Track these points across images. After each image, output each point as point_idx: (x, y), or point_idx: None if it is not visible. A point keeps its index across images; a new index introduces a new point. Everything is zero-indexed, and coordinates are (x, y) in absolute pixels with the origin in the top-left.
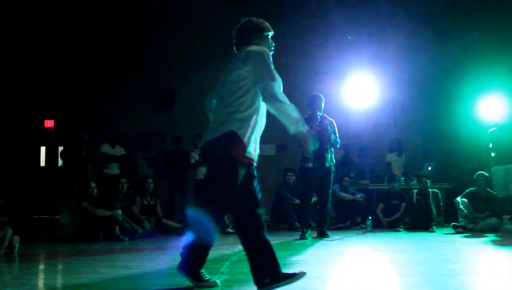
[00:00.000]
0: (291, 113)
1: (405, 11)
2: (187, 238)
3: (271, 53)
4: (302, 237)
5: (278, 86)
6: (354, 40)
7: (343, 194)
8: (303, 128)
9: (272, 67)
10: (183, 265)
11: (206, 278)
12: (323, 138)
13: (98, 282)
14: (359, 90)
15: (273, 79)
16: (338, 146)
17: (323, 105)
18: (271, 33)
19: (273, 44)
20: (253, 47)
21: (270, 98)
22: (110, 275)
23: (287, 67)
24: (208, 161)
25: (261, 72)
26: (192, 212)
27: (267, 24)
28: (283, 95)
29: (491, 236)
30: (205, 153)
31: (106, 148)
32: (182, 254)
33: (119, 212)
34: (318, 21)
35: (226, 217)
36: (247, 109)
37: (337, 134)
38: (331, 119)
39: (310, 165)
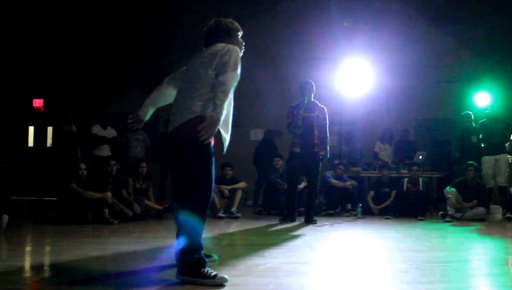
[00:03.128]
0: (218, 108)
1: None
2: (179, 242)
3: (241, 52)
4: (283, 221)
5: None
6: (350, 27)
7: (334, 181)
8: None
9: (236, 63)
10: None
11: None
12: (311, 124)
13: (86, 265)
14: (354, 77)
15: (230, 72)
16: (328, 141)
17: (313, 91)
18: (240, 33)
19: (243, 44)
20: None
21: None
22: (99, 258)
23: (283, 54)
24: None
25: (224, 65)
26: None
27: (236, 24)
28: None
29: (477, 225)
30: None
31: (97, 129)
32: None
33: (109, 194)
34: (314, 8)
35: (217, 201)
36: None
37: (327, 122)
38: (322, 106)
39: (298, 150)
